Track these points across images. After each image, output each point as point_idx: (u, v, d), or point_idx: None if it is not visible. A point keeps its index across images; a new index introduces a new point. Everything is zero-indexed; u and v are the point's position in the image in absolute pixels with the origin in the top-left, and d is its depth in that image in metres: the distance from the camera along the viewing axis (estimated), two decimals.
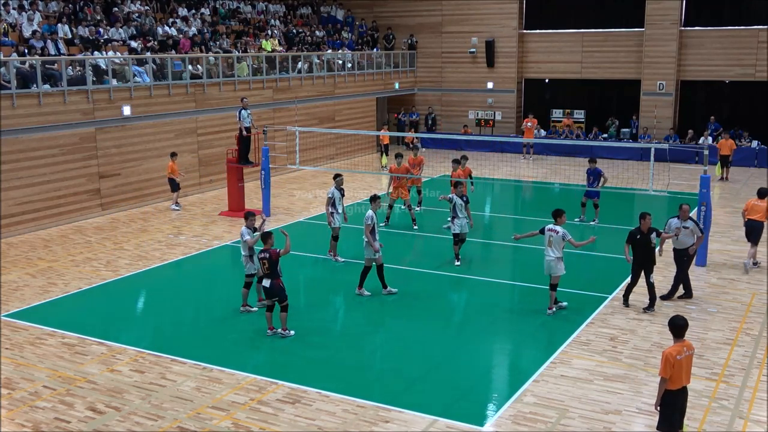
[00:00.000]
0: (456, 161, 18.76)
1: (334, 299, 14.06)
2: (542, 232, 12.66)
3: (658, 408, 8.03)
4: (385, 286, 13.80)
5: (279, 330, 11.86)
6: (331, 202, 15.92)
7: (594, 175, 18.90)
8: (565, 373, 10.49)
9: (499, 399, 9.85)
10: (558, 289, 12.86)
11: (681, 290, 13.51)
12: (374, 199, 13.89)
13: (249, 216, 12.91)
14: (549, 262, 12.57)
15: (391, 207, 19.17)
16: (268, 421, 9.22)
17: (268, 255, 11.64)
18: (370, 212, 13.61)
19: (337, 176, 16.52)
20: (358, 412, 9.41)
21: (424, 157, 20.76)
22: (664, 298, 13.37)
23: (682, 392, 7.98)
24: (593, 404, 9.57)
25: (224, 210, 20.67)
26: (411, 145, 30.85)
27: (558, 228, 12.47)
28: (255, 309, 12.96)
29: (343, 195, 16.31)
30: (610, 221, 19.29)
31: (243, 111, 19.99)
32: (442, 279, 15.03)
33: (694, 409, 9.22)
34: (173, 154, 21.20)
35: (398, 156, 19.18)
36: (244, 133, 20.13)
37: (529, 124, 30.33)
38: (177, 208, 21.11)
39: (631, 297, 13.37)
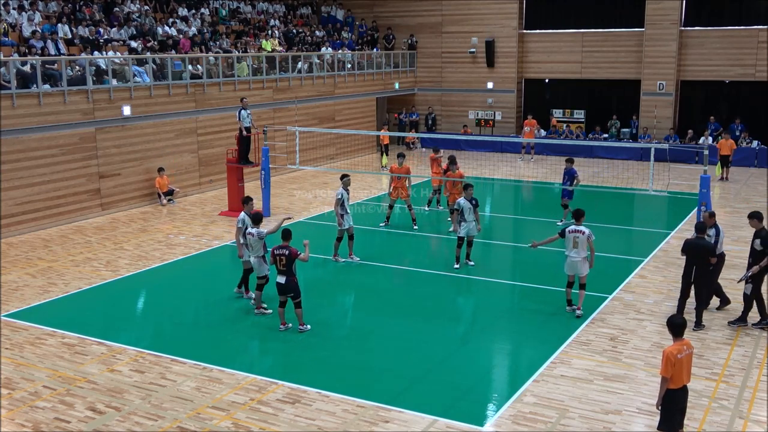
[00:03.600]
0: (452, 161, 18.69)
1: (333, 299, 14.05)
2: (562, 235, 12.58)
3: (659, 408, 8.04)
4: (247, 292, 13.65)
5: (297, 326, 12.05)
6: (340, 203, 15.64)
7: (567, 175, 18.84)
8: (565, 373, 10.49)
9: (499, 399, 9.85)
10: (558, 288, 12.85)
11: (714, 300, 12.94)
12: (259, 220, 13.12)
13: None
14: (575, 262, 12.54)
15: (391, 207, 19.15)
16: (268, 421, 9.22)
17: (287, 252, 11.69)
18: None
19: (344, 176, 16.11)
20: (358, 412, 9.41)
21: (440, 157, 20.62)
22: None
23: (683, 391, 7.98)
24: (593, 404, 9.57)
25: (224, 210, 20.67)
26: (411, 145, 30.89)
27: (583, 228, 12.46)
28: (270, 311, 12.82)
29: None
30: (611, 221, 19.28)
31: (243, 111, 19.99)
32: (442, 279, 15.03)
33: (694, 409, 9.22)
34: (160, 169, 21.61)
35: (400, 156, 19.18)
36: (244, 133, 20.14)
37: (527, 129, 30.00)
38: (170, 203, 21.69)
39: (633, 297, 13.37)
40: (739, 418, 9.23)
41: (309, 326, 12.10)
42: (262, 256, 12.66)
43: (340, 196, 15.61)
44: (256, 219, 13.00)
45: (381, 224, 19.04)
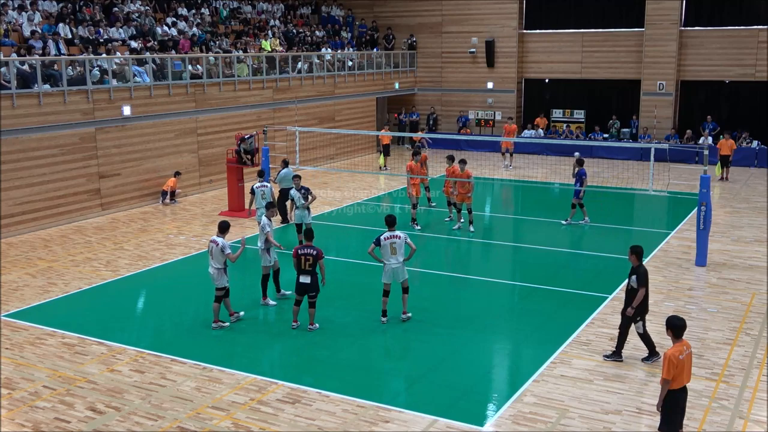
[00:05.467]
0: (452, 158, 18.89)
1: (333, 299, 14.04)
2: (378, 243, 12.07)
3: (659, 409, 8.03)
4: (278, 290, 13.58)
5: (308, 324, 12.11)
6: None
7: (578, 176, 18.89)
8: (565, 373, 10.49)
9: (499, 399, 9.85)
10: (558, 288, 12.85)
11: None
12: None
13: (226, 227, 12.19)
14: (396, 269, 12.22)
15: (414, 207, 19.07)
16: (268, 421, 9.22)
17: (314, 252, 11.73)
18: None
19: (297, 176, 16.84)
20: (358, 412, 9.41)
21: (427, 154, 20.70)
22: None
23: (683, 392, 7.98)
24: (593, 404, 9.57)
25: (224, 210, 20.68)
26: (419, 144, 30.81)
27: (399, 233, 12.24)
28: (242, 313, 12.66)
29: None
30: (611, 221, 19.29)
31: (242, 145, 20.14)
32: (441, 279, 15.03)
33: (694, 409, 9.22)
34: (177, 173, 21.90)
35: (416, 154, 19.28)
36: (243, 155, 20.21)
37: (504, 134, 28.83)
38: (172, 202, 21.79)
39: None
40: (739, 418, 9.23)
41: (318, 325, 12.12)
42: (222, 268, 12.10)
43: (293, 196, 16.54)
44: (224, 228, 12.23)
45: (417, 228, 18.71)
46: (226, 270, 12.16)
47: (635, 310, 10.56)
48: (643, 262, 10.66)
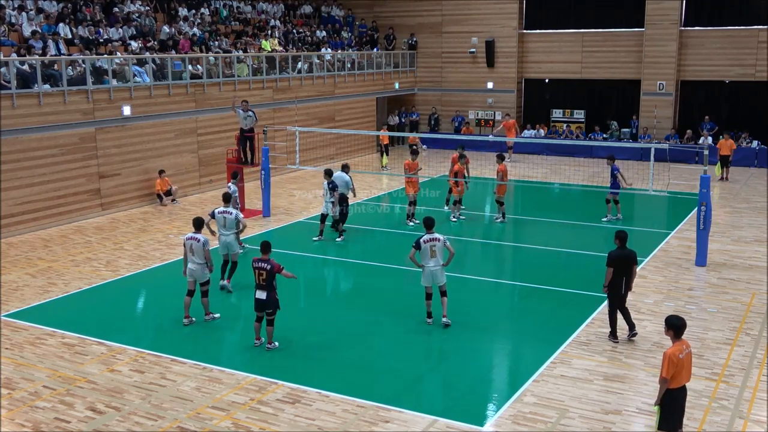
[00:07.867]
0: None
1: (333, 299, 14.06)
2: (418, 247, 11.99)
3: (655, 405, 8.03)
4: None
5: (265, 343, 11.46)
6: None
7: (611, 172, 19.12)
8: (565, 373, 10.49)
9: (499, 399, 9.85)
10: (558, 288, 12.84)
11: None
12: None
13: (200, 223, 12.42)
14: (434, 272, 12.16)
15: (411, 204, 19.04)
16: (268, 421, 9.23)
17: (269, 266, 10.98)
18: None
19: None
20: (358, 412, 9.41)
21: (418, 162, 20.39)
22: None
23: (682, 391, 7.98)
24: (593, 404, 9.57)
25: None
26: (414, 147, 30.82)
27: (438, 236, 12.20)
28: (218, 315, 12.63)
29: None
30: (611, 221, 19.28)
31: (240, 111, 19.75)
32: None
33: (694, 409, 9.22)
34: (161, 172, 21.69)
35: (414, 153, 19.30)
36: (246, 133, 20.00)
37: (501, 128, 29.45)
38: (174, 203, 21.80)
39: (633, 297, 13.36)
40: (739, 418, 9.24)
41: (277, 343, 11.49)
42: (204, 263, 12.19)
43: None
44: (197, 224, 12.41)
45: (411, 224, 18.81)
46: (207, 265, 12.30)
47: (608, 289, 11.38)
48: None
